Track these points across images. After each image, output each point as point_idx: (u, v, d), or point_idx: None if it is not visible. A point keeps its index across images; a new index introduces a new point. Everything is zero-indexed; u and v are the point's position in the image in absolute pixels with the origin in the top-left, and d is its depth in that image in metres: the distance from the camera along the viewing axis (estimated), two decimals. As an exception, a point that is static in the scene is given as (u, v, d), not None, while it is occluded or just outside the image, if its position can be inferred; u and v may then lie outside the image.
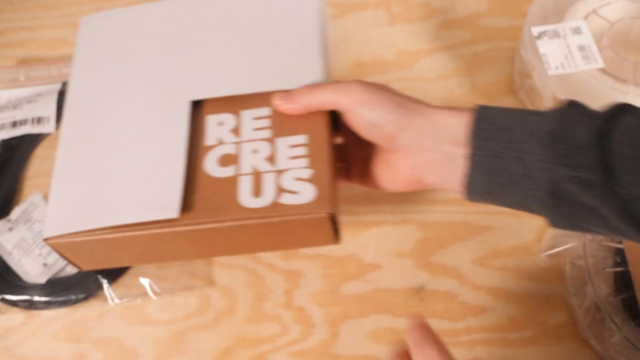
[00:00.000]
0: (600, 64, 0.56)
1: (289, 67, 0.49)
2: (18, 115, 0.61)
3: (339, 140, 0.51)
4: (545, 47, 0.58)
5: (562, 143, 0.37)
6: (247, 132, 0.47)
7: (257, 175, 0.45)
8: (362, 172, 0.49)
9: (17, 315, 0.52)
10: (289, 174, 0.45)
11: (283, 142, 0.46)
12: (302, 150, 0.45)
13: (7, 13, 0.70)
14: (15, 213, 0.55)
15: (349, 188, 0.58)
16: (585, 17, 0.60)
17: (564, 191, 0.37)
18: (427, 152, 0.42)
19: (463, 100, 0.63)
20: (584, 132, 0.37)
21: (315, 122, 0.46)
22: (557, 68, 0.57)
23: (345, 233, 0.56)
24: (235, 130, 0.47)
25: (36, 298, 0.52)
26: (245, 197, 0.44)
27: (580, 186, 0.37)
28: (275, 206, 0.44)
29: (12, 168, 0.59)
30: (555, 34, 0.59)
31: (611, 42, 0.59)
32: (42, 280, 0.53)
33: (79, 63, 0.53)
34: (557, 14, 0.61)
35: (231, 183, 0.45)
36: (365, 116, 0.43)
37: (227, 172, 0.46)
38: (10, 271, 0.53)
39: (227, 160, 0.46)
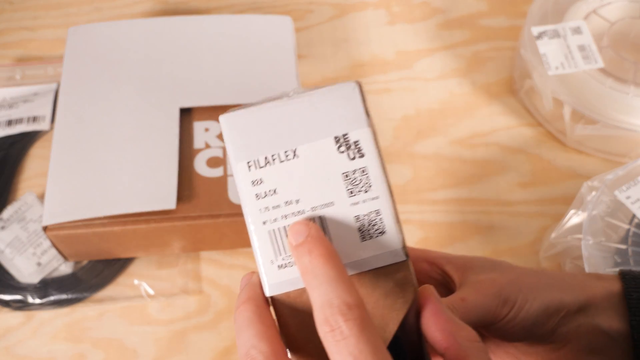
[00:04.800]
0: (600, 64, 0.56)
1: (268, 82, 0.55)
2: (13, 114, 0.61)
3: None
4: (545, 47, 0.58)
5: None
6: None
7: None
8: None
9: (17, 315, 0.52)
10: None
11: None
12: None
13: (7, 13, 0.70)
14: (7, 212, 0.55)
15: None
16: (585, 17, 0.60)
17: None
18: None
19: (463, 100, 0.63)
20: None
21: None
22: (557, 68, 0.57)
23: (345, 233, 0.56)
24: (221, 136, 0.52)
25: (29, 298, 0.52)
26: (235, 196, 0.49)
27: None
28: None
29: (6, 167, 0.58)
30: (555, 34, 0.59)
31: (611, 42, 0.59)
32: (36, 280, 0.53)
33: (69, 70, 0.56)
34: (557, 14, 0.61)
35: (221, 182, 0.50)
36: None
37: (216, 172, 0.51)
38: (2, 270, 0.53)
39: (215, 162, 0.51)
